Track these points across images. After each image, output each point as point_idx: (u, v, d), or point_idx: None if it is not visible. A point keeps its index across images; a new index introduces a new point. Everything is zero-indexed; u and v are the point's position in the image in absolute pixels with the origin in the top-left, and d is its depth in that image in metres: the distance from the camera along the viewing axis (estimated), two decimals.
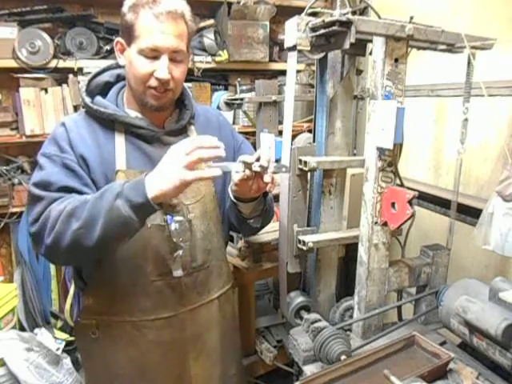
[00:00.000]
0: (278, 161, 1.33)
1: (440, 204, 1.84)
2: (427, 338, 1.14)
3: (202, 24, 2.57)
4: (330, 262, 1.50)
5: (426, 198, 1.90)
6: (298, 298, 1.48)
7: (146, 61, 1.11)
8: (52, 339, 2.24)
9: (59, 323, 2.45)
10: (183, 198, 1.21)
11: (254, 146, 2.28)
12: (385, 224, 1.21)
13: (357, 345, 1.20)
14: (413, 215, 1.10)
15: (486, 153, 1.71)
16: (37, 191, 1.10)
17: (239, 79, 2.62)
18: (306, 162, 1.30)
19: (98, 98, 1.21)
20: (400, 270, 1.32)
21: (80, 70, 2.33)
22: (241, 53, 2.57)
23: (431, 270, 1.37)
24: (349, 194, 1.59)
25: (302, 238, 1.35)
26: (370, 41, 1.20)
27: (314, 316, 1.29)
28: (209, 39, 2.54)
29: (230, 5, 2.49)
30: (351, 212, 1.64)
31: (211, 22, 2.59)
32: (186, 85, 1.35)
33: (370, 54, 1.27)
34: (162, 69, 1.11)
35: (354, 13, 1.14)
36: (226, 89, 2.78)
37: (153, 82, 1.13)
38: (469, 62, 1.28)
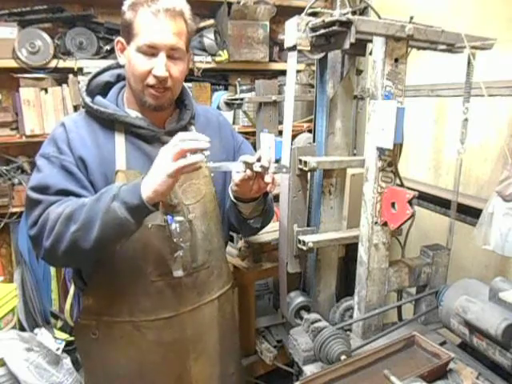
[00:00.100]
0: (278, 161, 1.33)
1: (440, 204, 1.84)
2: (427, 337, 1.14)
3: (202, 24, 2.57)
4: (330, 262, 1.50)
5: (426, 198, 1.90)
6: (297, 298, 1.48)
7: (144, 58, 1.11)
8: (52, 339, 2.24)
9: (59, 323, 2.45)
10: (183, 198, 1.21)
11: (254, 146, 2.28)
12: (385, 224, 1.21)
13: (357, 345, 1.20)
14: (413, 215, 1.10)
15: (485, 153, 1.71)
16: (34, 195, 1.11)
17: (239, 79, 2.63)
18: (305, 162, 1.30)
19: (98, 98, 1.21)
20: (400, 270, 1.32)
21: (80, 69, 2.33)
22: (241, 53, 2.57)
23: (431, 270, 1.37)
24: (349, 193, 1.59)
25: (302, 238, 1.35)
26: (370, 41, 1.20)
27: (313, 316, 1.29)
28: (209, 39, 2.54)
29: (230, 5, 2.49)
30: (351, 212, 1.65)
31: (211, 22, 2.59)
32: (186, 85, 1.35)
33: (370, 54, 1.27)
34: (159, 66, 1.11)
35: (354, 13, 1.14)
36: (226, 89, 2.78)
37: (151, 80, 1.13)
38: (469, 62, 1.28)
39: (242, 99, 2.37)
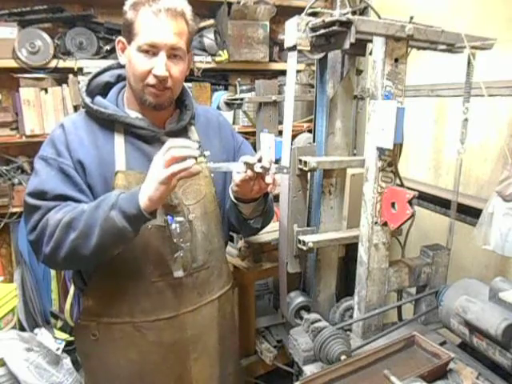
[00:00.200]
0: (278, 161, 1.33)
1: (440, 204, 1.84)
2: (427, 337, 1.14)
3: (202, 24, 2.57)
4: (330, 262, 1.50)
5: (426, 198, 1.90)
6: (297, 298, 1.48)
7: (145, 58, 1.11)
8: (52, 339, 2.24)
9: (59, 323, 2.45)
10: (184, 199, 1.21)
11: (254, 146, 2.28)
12: (385, 224, 1.21)
13: (357, 345, 1.20)
14: (413, 215, 1.10)
15: (485, 153, 1.71)
16: (32, 201, 1.11)
17: (239, 79, 2.63)
18: (305, 162, 1.30)
19: (98, 98, 1.21)
20: (400, 270, 1.32)
21: (80, 69, 2.33)
22: (241, 53, 2.57)
23: (431, 270, 1.37)
24: (349, 193, 1.59)
25: (302, 238, 1.35)
26: (370, 41, 1.20)
27: (313, 316, 1.28)
28: (209, 39, 2.54)
29: (230, 5, 2.49)
30: (351, 212, 1.64)
31: (211, 22, 2.59)
32: (186, 85, 1.35)
33: (370, 54, 1.27)
34: (159, 66, 1.11)
35: (354, 13, 1.14)
36: (226, 89, 2.78)
37: (151, 80, 1.13)
38: (469, 62, 1.28)
39: (242, 99, 2.37)
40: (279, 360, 1.88)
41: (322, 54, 1.36)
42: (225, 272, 1.40)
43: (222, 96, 2.53)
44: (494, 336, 1.00)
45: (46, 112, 2.30)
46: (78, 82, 2.30)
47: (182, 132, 1.27)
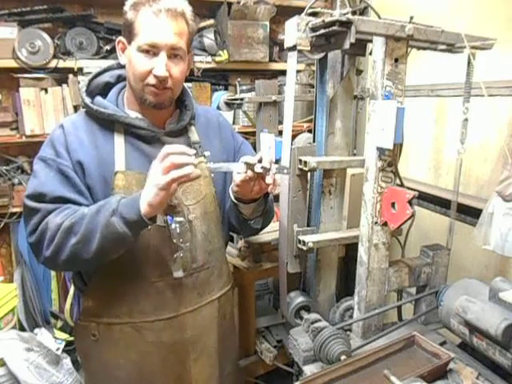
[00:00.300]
0: (278, 161, 1.33)
1: (440, 204, 1.84)
2: (427, 337, 1.14)
3: (202, 24, 2.57)
4: (330, 262, 1.50)
5: (426, 198, 1.90)
6: (297, 298, 1.48)
7: (145, 58, 1.11)
8: (52, 339, 2.24)
9: (59, 323, 2.45)
10: (184, 199, 1.21)
11: (254, 146, 2.28)
12: (385, 224, 1.21)
13: (357, 345, 1.20)
14: (413, 215, 1.10)
15: (486, 153, 1.71)
16: (32, 204, 1.11)
17: (239, 79, 2.63)
18: (305, 162, 1.30)
19: (98, 99, 1.20)
20: (400, 270, 1.32)
21: (80, 69, 2.33)
22: (241, 53, 2.57)
23: (431, 270, 1.37)
24: (349, 193, 1.59)
25: (302, 238, 1.35)
26: (370, 41, 1.20)
27: (314, 316, 1.28)
28: (209, 39, 2.54)
29: (230, 5, 2.49)
30: (351, 212, 1.64)
31: (211, 22, 2.59)
32: (186, 85, 1.35)
33: (370, 54, 1.27)
34: (159, 66, 1.11)
35: (354, 13, 1.14)
36: (226, 89, 2.78)
37: (151, 80, 1.13)
38: (469, 62, 1.28)
39: (242, 99, 2.37)
40: (279, 360, 1.88)
41: (321, 54, 1.36)
42: (225, 272, 1.40)
43: (222, 96, 2.53)
44: (493, 336, 1.00)
45: (46, 112, 2.30)
46: (78, 82, 2.30)
47: (182, 132, 1.27)
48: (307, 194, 1.41)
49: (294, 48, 1.18)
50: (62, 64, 2.30)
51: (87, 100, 1.19)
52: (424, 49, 1.25)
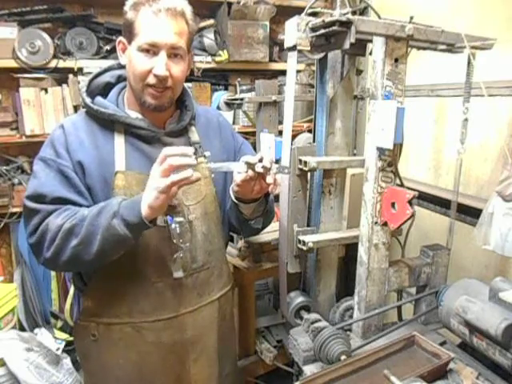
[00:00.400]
0: (278, 161, 1.33)
1: (440, 204, 1.84)
2: (427, 337, 1.14)
3: (202, 24, 2.57)
4: (330, 262, 1.50)
5: (426, 198, 1.90)
6: (297, 298, 1.48)
7: (145, 58, 1.11)
8: (52, 339, 2.24)
9: (59, 323, 2.45)
10: (184, 199, 1.21)
11: (254, 146, 2.28)
12: (385, 224, 1.21)
13: (357, 345, 1.20)
14: (413, 215, 1.10)
15: (486, 153, 1.71)
16: (32, 205, 1.11)
17: (239, 79, 2.63)
18: (306, 162, 1.30)
19: (99, 99, 1.20)
20: (400, 270, 1.32)
21: (80, 69, 2.33)
22: (241, 53, 2.57)
23: (431, 270, 1.37)
24: (349, 193, 1.59)
25: (302, 238, 1.35)
26: (370, 41, 1.20)
27: (314, 316, 1.29)
28: (209, 39, 2.54)
29: (230, 5, 2.49)
30: (351, 212, 1.64)
31: (211, 22, 2.59)
32: (186, 85, 1.35)
33: (370, 54, 1.27)
34: (159, 65, 1.11)
35: (354, 13, 1.14)
36: (226, 89, 2.78)
37: (151, 80, 1.13)
38: (469, 62, 1.28)
39: (242, 99, 2.37)
40: (279, 360, 1.88)
41: (321, 54, 1.36)
42: (225, 273, 1.40)
43: (222, 96, 2.53)
44: (493, 336, 1.00)
45: (46, 112, 2.30)
46: (78, 82, 2.30)
47: (183, 132, 1.27)
48: (307, 193, 1.41)
49: (293, 48, 1.18)
50: (61, 64, 2.30)
51: (88, 100, 1.19)
52: (424, 49, 1.25)
